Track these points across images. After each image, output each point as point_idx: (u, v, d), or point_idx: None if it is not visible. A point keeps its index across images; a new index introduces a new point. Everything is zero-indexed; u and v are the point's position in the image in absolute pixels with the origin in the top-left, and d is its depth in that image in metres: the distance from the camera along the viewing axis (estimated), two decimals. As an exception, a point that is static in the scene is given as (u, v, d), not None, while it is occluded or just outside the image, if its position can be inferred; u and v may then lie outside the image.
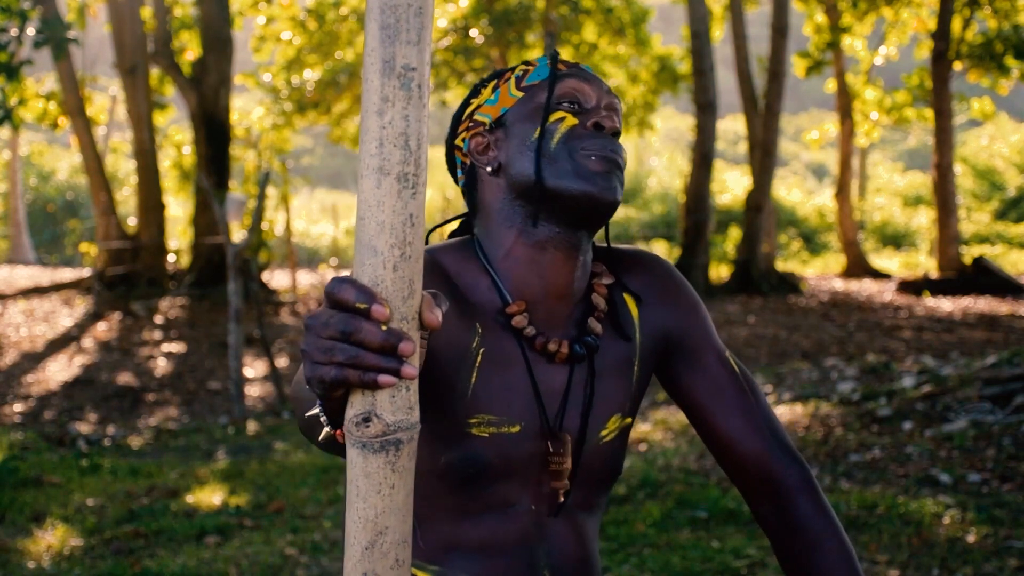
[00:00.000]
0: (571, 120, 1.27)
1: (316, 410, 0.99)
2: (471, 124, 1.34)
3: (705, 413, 1.35)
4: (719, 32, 17.85)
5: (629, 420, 1.35)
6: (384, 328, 0.82)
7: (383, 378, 0.82)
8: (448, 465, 1.23)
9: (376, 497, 0.84)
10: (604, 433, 1.31)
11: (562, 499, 1.28)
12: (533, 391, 1.27)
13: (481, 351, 1.24)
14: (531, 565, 1.27)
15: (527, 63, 1.35)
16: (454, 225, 1.68)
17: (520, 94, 1.31)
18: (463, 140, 1.35)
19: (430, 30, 0.82)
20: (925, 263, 19.41)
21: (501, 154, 1.30)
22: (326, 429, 0.99)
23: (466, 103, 1.37)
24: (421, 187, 0.82)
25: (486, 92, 1.34)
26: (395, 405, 0.84)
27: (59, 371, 9.15)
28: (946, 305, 12.89)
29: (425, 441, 1.23)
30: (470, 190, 1.35)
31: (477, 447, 1.23)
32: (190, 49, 15.23)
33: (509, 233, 1.28)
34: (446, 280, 1.26)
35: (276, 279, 16.06)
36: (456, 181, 1.39)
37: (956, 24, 15.82)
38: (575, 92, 1.30)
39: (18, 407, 7.84)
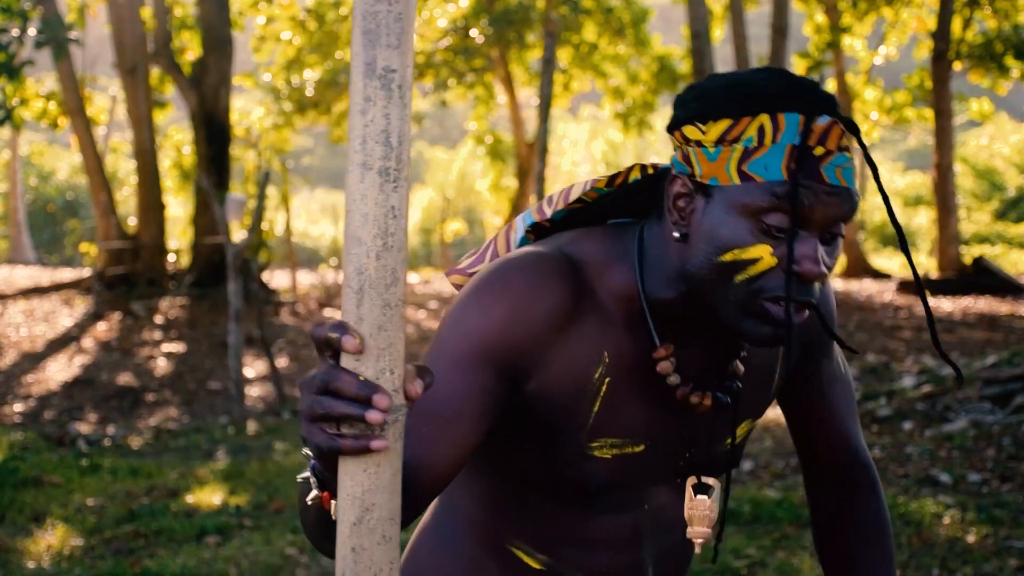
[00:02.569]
0: (768, 262, 1.09)
1: (306, 473, 1.02)
2: (683, 150, 1.14)
3: (806, 409, 1.37)
4: (719, 32, 17.85)
5: (756, 420, 1.33)
6: (361, 379, 0.86)
7: (376, 444, 0.86)
8: (569, 480, 1.22)
9: (362, 475, 0.87)
10: (730, 441, 1.29)
11: (698, 550, 1.28)
12: (659, 426, 1.23)
13: (607, 380, 1.18)
14: (639, 560, 1.28)
15: (773, 121, 1.08)
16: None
17: (736, 180, 1.09)
18: (676, 146, 1.16)
19: (410, 35, 0.86)
20: (925, 263, 19.41)
21: (690, 227, 1.13)
22: (313, 492, 1.01)
23: (690, 108, 1.13)
24: (403, 181, 0.86)
25: (711, 133, 1.11)
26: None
27: (59, 371, 9.15)
28: (946, 305, 12.89)
29: (543, 459, 1.21)
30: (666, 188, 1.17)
31: (597, 468, 1.21)
32: (190, 49, 15.23)
33: (670, 287, 1.16)
34: (577, 293, 1.16)
35: (276, 279, 16.05)
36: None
37: (956, 24, 15.81)
38: (800, 216, 1.09)
39: (18, 407, 7.84)
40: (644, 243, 1.18)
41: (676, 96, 1.16)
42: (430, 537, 1.31)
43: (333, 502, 0.97)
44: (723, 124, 1.09)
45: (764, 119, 1.08)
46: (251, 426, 7.12)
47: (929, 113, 17.06)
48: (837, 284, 15.95)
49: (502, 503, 1.26)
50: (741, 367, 1.24)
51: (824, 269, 1.10)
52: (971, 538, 4.17)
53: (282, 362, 9.70)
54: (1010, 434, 5.54)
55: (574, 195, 1.25)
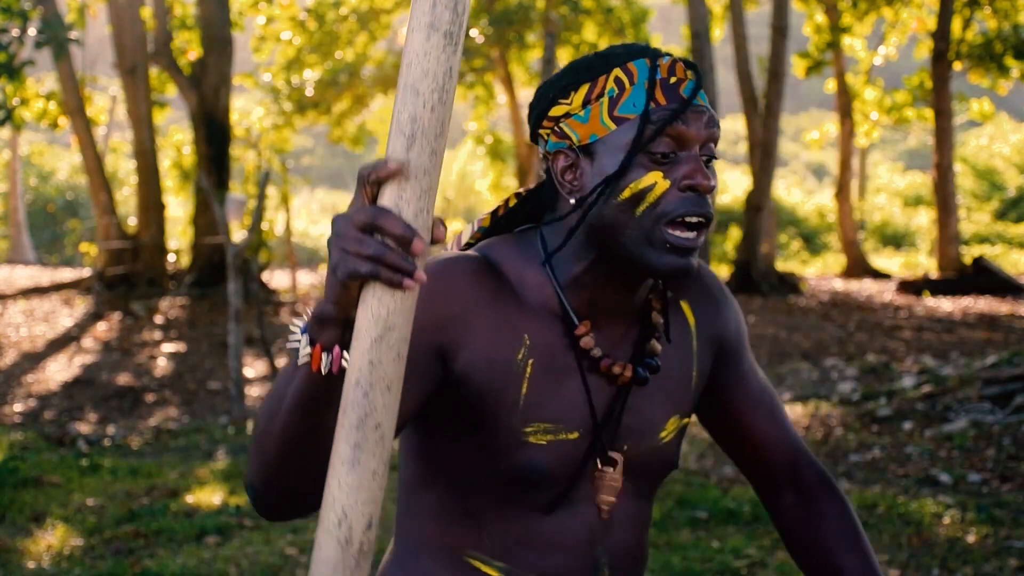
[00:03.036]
0: (662, 185, 1.20)
1: (297, 334, 1.05)
2: (556, 129, 1.25)
3: (740, 417, 1.42)
4: (719, 32, 17.85)
5: (687, 420, 1.37)
6: (405, 223, 0.94)
7: (408, 282, 0.93)
8: (509, 472, 1.24)
9: (390, 298, 0.95)
10: (663, 435, 1.34)
11: (607, 516, 1.30)
12: (589, 408, 1.27)
13: (530, 361, 1.24)
14: (594, 561, 1.30)
15: (625, 70, 1.22)
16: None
17: (612, 126, 1.21)
18: (546, 135, 1.27)
19: None
20: (925, 263, 19.41)
21: (585, 186, 1.23)
22: (306, 349, 1.03)
23: (550, 97, 1.26)
24: (459, 48, 0.96)
25: (576, 99, 1.23)
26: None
27: (59, 371, 9.15)
28: (946, 305, 12.89)
29: (482, 451, 1.24)
30: (549, 185, 1.29)
31: (535, 455, 1.24)
32: (190, 49, 15.23)
33: (579, 260, 1.26)
34: (494, 283, 1.25)
35: (276, 279, 16.05)
36: (537, 144, 1.32)
37: (956, 24, 15.82)
38: (672, 138, 1.21)
39: (18, 407, 7.85)
40: (544, 238, 1.28)
41: (530, 103, 1.28)
42: (392, 570, 1.33)
43: (324, 354, 1.02)
44: (583, 88, 1.23)
45: (617, 71, 1.22)
46: (251, 426, 7.12)
47: (929, 113, 17.06)
48: (837, 284, 15.97)
49: (452, 515, 1.29)
50: (658, 346, 1.31)
51: (708, 181, 1.20)
52: (971, 538, 4.17)
53: (282, 362, 9.70)
54: (1010, 434, 5.54)
55: (465, 239, 1.35)
